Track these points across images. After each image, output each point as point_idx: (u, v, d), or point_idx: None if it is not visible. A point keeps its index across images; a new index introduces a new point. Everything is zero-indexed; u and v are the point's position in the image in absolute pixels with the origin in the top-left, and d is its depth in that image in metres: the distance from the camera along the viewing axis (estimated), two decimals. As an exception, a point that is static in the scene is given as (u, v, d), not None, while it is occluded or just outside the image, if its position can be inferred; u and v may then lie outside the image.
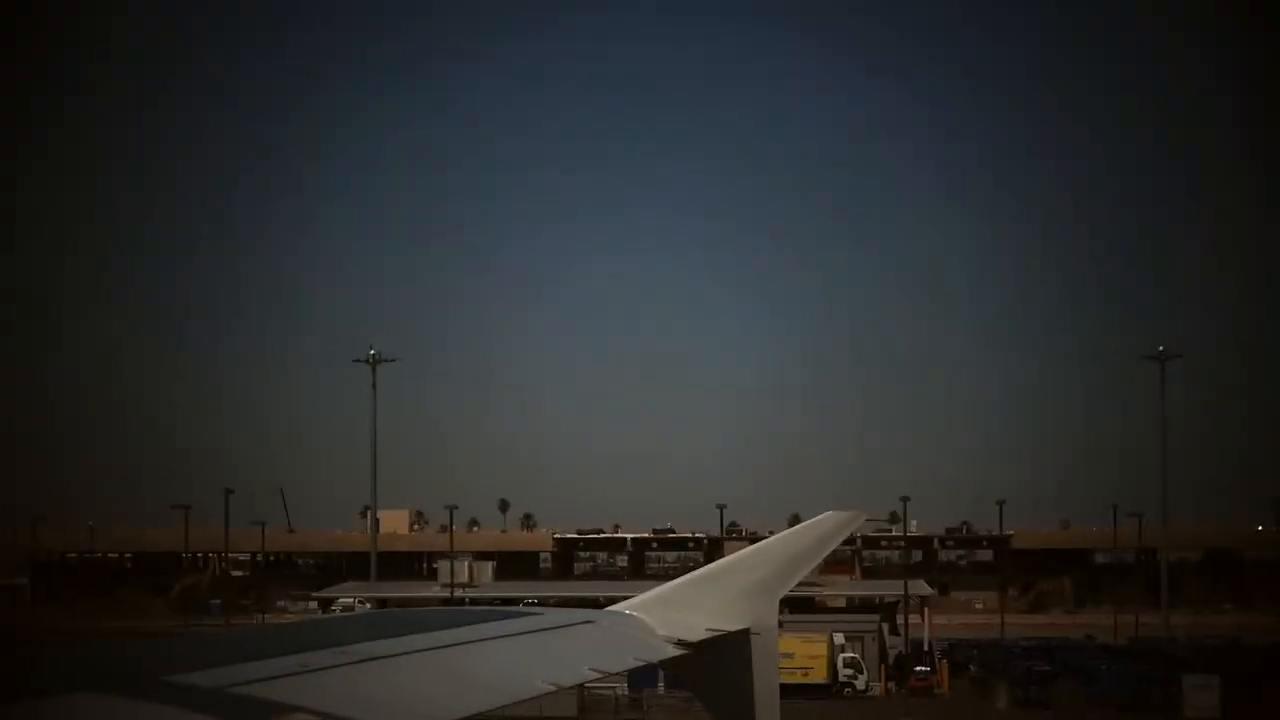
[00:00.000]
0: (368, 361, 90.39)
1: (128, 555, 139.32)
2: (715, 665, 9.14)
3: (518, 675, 7.39)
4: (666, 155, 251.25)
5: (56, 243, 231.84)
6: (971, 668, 79.52)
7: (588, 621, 9.01)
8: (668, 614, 9.05)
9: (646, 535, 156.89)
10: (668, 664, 9.01)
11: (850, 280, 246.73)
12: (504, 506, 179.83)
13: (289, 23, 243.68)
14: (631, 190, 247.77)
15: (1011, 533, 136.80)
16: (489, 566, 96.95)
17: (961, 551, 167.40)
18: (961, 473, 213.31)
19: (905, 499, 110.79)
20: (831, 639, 73.67)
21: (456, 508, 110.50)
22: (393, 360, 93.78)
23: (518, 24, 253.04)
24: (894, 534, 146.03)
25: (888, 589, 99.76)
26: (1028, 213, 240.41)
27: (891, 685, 75.30)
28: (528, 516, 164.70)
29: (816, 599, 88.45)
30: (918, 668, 76.21)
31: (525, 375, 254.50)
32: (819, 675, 71.52)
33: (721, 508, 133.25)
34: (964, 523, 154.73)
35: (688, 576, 9.66)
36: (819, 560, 9.65)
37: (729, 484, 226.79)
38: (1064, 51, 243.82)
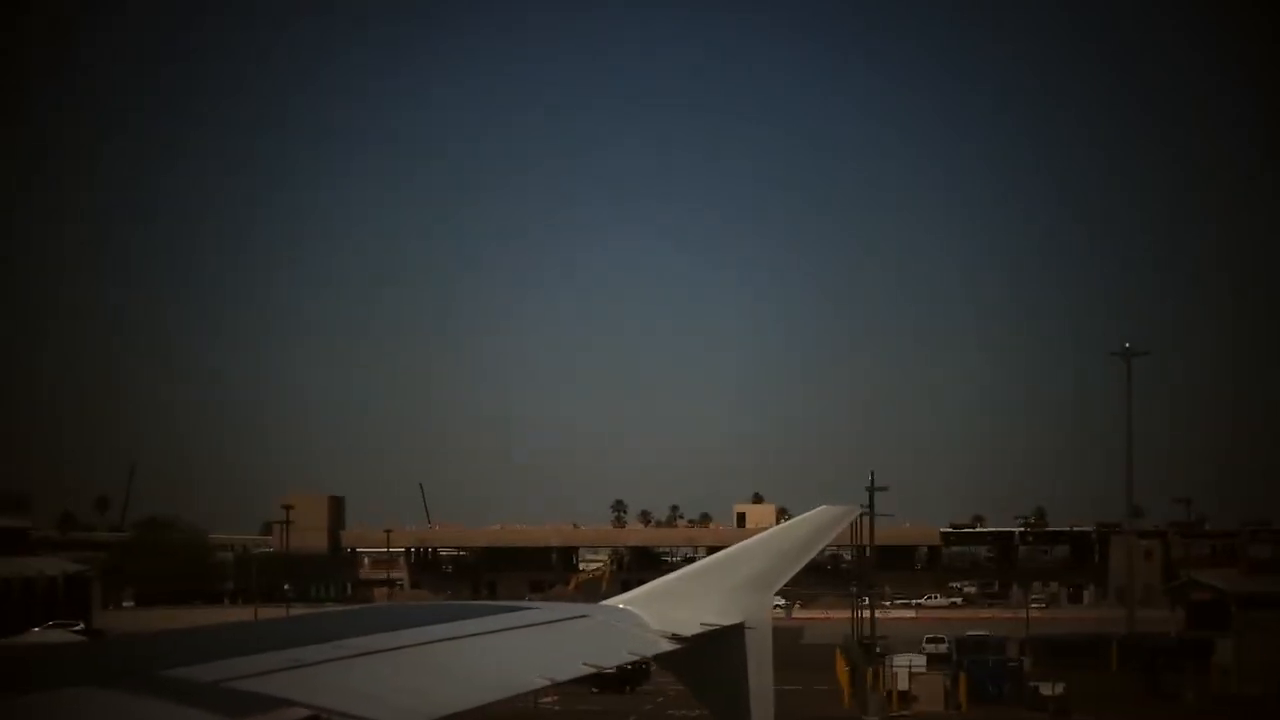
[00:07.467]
0: (1121, 354, 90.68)
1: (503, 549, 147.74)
2: (710, 660, 9.08)
3: (512, 670, 7.40)
4: (667, 153, 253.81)
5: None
6: None
7: (582, 616, 9.13)
8: (663, 608, 9.03)
9: (1017, 529, 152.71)
10: (662, 659, 9.03)
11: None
12: (757, 499, 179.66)
13: (297, 10, 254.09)
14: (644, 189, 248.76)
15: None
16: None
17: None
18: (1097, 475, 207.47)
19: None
20: None
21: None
22: (1147, 353, 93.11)
23: (525, 17, 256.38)
24: (1205, 529, 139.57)
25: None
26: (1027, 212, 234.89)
27: None
28: (783, 510, 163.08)
29: None
30: None
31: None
32: None
33: (1135, 508, 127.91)
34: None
35: (683, 570, 9.62)
36: (813, 555, 9.41)
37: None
38: (1062, 50, 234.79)
